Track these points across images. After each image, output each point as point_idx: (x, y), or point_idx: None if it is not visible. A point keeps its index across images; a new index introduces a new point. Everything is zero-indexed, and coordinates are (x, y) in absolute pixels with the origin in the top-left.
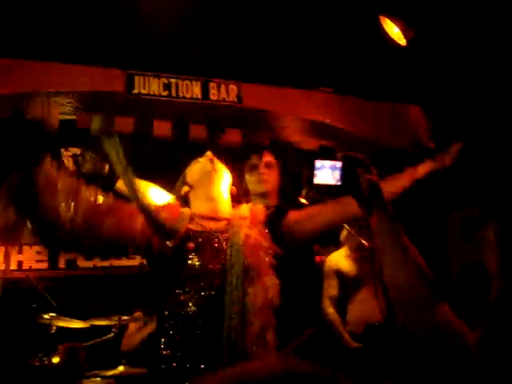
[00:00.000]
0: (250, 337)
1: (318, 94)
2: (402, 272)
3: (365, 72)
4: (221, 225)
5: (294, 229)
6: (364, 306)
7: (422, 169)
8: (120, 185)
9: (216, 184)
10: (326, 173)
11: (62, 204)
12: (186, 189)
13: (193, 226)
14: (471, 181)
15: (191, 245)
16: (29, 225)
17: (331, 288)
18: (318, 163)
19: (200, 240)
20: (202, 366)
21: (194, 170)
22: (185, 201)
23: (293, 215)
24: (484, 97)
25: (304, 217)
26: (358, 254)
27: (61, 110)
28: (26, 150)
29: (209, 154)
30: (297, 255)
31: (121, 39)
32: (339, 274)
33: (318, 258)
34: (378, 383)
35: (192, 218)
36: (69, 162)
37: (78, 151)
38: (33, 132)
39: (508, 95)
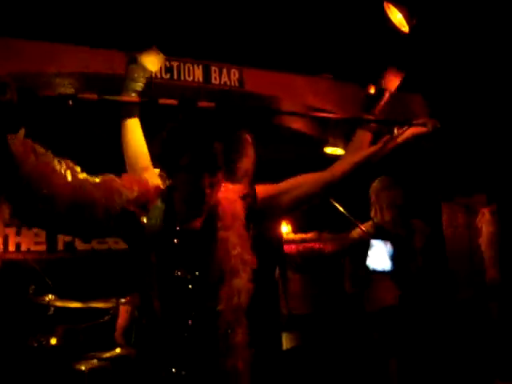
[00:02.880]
0: (219, 337)
1: (319, 80)
2: None
3: (367, 59)
4: (197, 224)
5: (265, 205)
6: (382, 289)
7: (402, 134)
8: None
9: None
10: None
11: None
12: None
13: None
14: (471, 168)
15: (172, 239)
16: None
17: (349, 268)
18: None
19: (181, 235)
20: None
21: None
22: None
23: (262, 189)
24: (486, 84)
25: (278, 191)
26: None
27: (62, 91)
28: None
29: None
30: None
31: (123, 21)
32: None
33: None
34: (382, 358)
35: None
36: None
37: None
38: None
39: (509, 82)
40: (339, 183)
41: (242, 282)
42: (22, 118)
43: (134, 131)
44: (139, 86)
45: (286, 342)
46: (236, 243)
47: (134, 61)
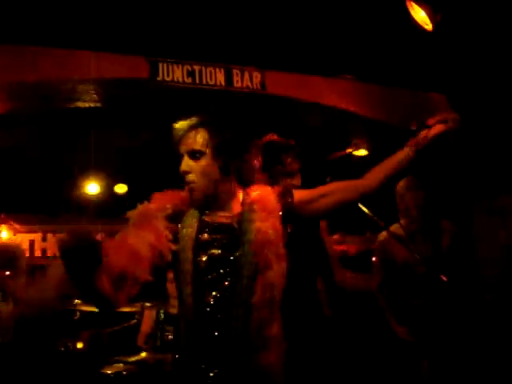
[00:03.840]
0: (252, 331)
1: (340, 81)
2: None
3: (389, 59)
4: (233, 219)
5: (300, 208)
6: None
7: (426, 135)
8: None
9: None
10: None
11: None
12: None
13: (207, 218)
14: (500, 169)
15: (205, 236)
16: None
17: (378, 271)
18: None
19: (214, 232)
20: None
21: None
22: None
23: (297, 195)
24: (510, 85)
25: (312, 196)
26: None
27: (85, 98)
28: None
29: None
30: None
31: (144, 26)
32: (386, 253)
33: (339, 247)
34: (415, 360)
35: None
36: None
37: None
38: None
39: None
40: (376, 191)
41: (275, 274)
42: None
43: None
44: None
45: None
46: (271, 235)
47: None
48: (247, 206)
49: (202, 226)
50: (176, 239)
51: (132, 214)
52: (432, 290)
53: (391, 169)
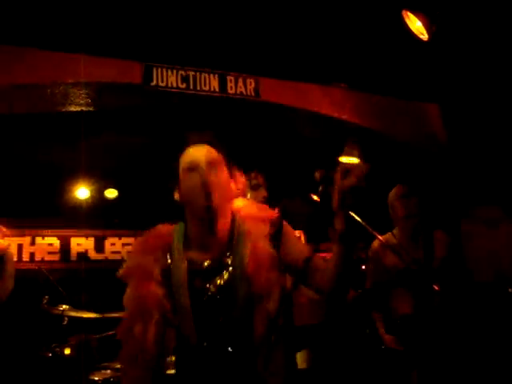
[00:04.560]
0: (257, 323)
1: (334, 89)
2: None
3: (383, 68)
4: (221, 248)
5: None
6: (404, 299)
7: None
8: None
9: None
10: None
11: None
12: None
13: (194, 257)
14: (489, 180)
15: (198, 283)
16: None
17: (370, 275)
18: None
19: (205, 274)
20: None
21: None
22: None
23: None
24: (502, 96)
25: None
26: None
27: (77, 101)
28: None
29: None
30: None
31: (139, 31)
32: (379, 261)
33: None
34: (404, 371)
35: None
36: None
37: None
38: None
39: None
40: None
41: (273, 302)
42: None
43: None
44: None
45: (300, 360)
46: (263, 240)
47: None
48: (237, 229)
49: (192, 271)
50: (170, 287)
51: (124, 273)
52: (423, 300)
53: (337, 273)
